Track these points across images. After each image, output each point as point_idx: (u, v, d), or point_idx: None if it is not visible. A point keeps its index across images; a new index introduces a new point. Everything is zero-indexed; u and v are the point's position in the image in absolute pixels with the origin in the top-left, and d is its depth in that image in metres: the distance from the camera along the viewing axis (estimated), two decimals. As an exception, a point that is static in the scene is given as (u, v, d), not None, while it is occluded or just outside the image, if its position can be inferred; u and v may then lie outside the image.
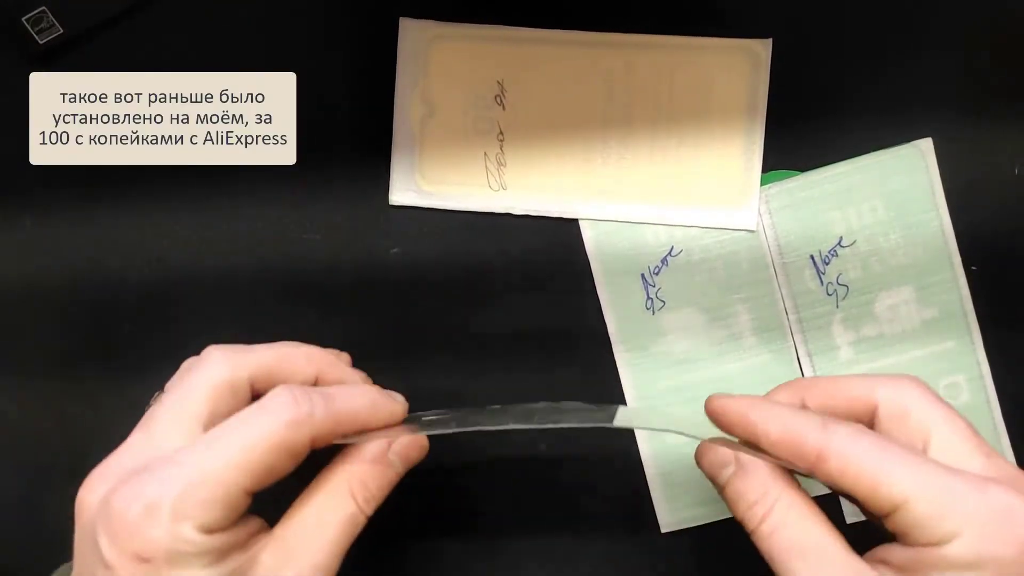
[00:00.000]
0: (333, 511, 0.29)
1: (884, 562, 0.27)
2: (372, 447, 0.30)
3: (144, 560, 0.26)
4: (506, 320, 0.41)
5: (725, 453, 0.30)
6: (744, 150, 0.40)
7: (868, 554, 0.28)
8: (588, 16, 0.40)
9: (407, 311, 0.41)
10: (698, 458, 0.32)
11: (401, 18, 0.40)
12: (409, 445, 0.32)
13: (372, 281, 0.40)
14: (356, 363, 0.36)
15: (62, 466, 0.40)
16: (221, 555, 0.27)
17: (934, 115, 0.40)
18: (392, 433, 0.31)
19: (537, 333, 0.41)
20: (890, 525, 0.27)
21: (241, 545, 0.28)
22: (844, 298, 0.40)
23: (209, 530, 0.26)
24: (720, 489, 0.31)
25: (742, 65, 0.40)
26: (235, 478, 0.27)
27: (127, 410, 0.40)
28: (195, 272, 0.40)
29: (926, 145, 0.40)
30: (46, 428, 0.40)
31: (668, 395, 0.41)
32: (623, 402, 0.41)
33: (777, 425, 0.28)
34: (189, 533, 0.26)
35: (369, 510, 0.30)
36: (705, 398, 0.31)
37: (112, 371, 0.40)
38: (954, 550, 0.25)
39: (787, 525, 0.28)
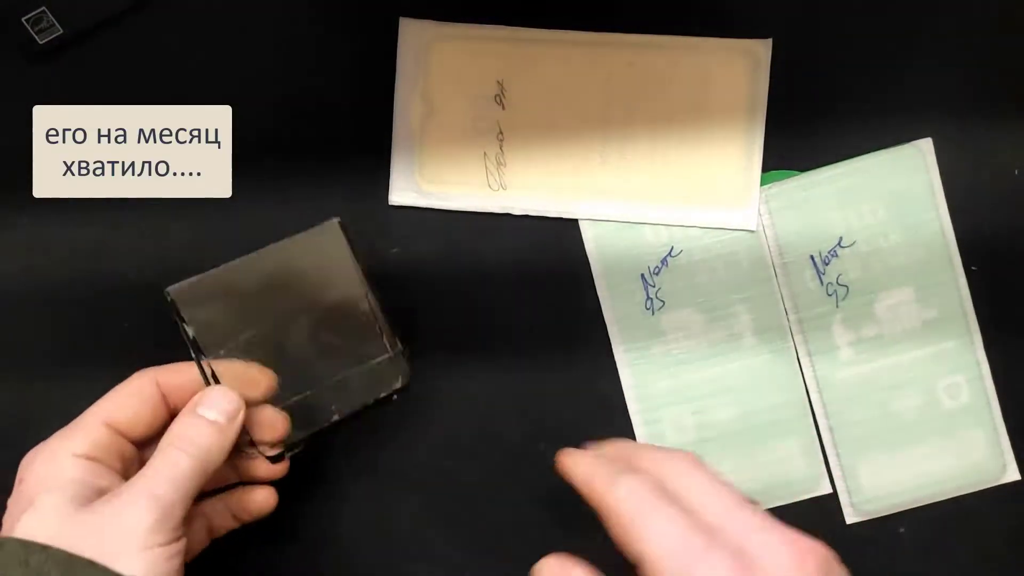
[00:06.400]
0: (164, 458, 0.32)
1: None
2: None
3: (20, 480, 0.33)
4: (505, 320, 0.41)
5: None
6: (744, 150, 0.40)
7: None
8: (588, 16, 0.40)
9: (407, 311, 0.40)
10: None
11: (401, 18, 0.40)
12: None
13: (372, 281, 0.40)
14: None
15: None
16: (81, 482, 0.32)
17: (934, 115, 0.40)
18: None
19: (536, 333, 0.41)
20: None
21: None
22: (844, 298, 0.40)
23: (82, 455, 0.33)
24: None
25: (742, 65, 0.40)
26: (98, 415, 0.34)
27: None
28: (194, 272, 0.39)
29: (926, 145, 0.40)
30: (44, 427, 0.40)
31: (668, 395, 0.40)
32: (623, 402, 0.41)
33: (581, 469, 0.31)
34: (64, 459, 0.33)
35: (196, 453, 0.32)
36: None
37: (111, 370, 0.40)
38: None
39: None
